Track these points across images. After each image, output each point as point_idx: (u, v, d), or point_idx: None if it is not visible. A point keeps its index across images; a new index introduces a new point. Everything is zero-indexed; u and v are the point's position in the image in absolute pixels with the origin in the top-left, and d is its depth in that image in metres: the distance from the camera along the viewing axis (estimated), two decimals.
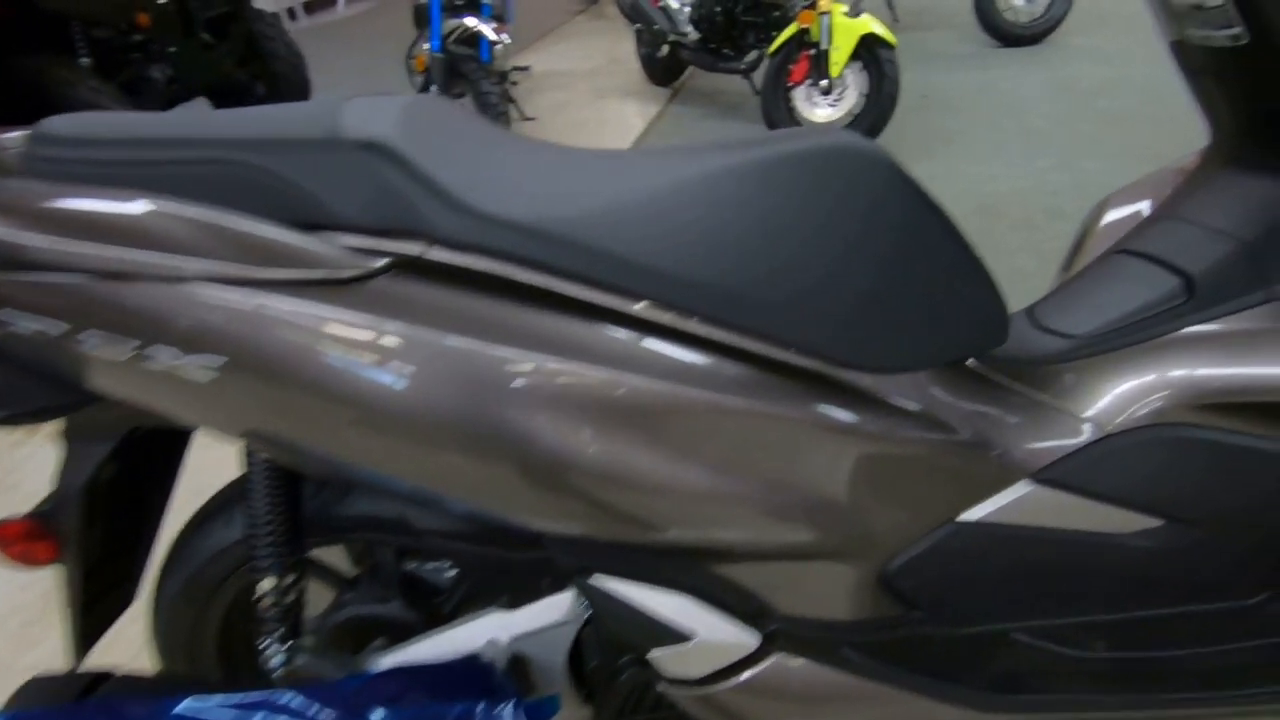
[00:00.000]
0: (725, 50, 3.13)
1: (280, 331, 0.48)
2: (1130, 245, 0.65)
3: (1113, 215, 0.79)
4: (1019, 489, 0.56)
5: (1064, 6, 3.70)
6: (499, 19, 2.79)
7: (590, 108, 3.63)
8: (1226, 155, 0.64)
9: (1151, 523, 0.55)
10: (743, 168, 0.49)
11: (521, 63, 4.20)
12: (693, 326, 0.50)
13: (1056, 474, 0.55)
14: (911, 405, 0.55)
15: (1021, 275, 1.95)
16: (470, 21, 2.51)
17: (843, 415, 0.53)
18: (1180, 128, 2.50)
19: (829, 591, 0.57)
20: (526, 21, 5.39)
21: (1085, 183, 2.36)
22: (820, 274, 0.49)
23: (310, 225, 0.49)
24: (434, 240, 0.49)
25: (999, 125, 2.88)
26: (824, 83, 2.60)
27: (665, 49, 3.38)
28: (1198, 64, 0.62)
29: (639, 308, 0.50)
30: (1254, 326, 0.56)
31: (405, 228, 0.49)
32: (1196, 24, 0.57)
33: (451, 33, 2.55)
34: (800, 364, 0.52)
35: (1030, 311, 0.69)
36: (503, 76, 3.25)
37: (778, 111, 2.72)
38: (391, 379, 0.48)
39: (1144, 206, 0.75)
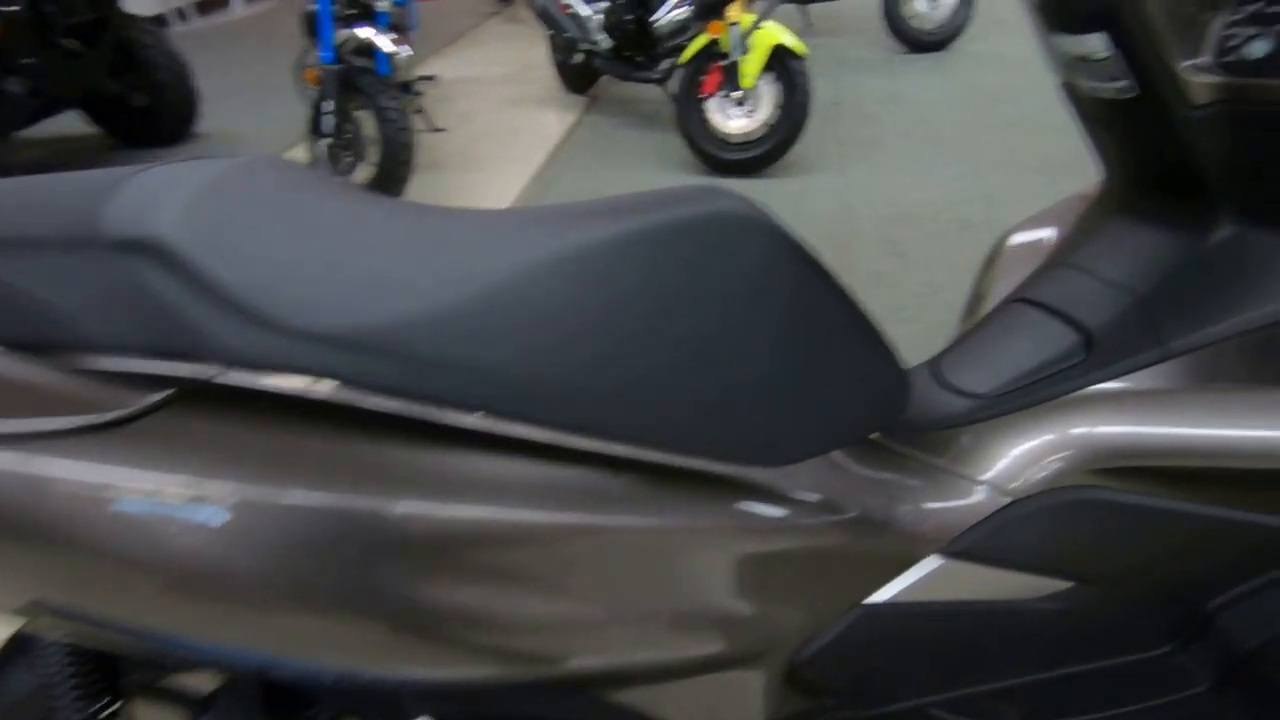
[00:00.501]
0: (638, 59, 3.07)
1: (47, 492, 0.39)
2: (1029, 294, 0.63)
3: (1012, 256, 0.77)
4: (926, 565, 0.54)
5: (966, 13, 3.81)
6: (398, 29, 2.64)
7: (504, 117, 3.51)
8: (1119, 200, 0.63)
9: (1060, 585, 0.55)
10: (602, 246, 0.42)
11: (428, 71, 4.01)
12: (555, 440, 0.44)
13: (963, 546, 0.54)
14: (811, 494, 0.51)
15: (933, 288, 1.97)
16: (364, 33, 2.35)
17: (737, 517, 0.48)
18: (1077, 134, 2.60)
19: (736, 697, 0.53)
20: (435, 25, 5.20)
21: (991, 192, 2.42)
22: (699, 365, 0.44)
23: (67, 352, 0.40)
24: (226, 361, 0.40)
25: (909, 133, 2.93)
26: (736, 94, 2.58)
27: (579, 57, 3.29)
28: (1087, 110, 0.60)
29: (485, 425, 0.42)
30: (1151, 386, 0.55)
31: (188, 349, 0.39)
32: (1084, 74, 0.55)
33: (344, 43, 2.39)
34: (685, 467, 0.47)
35: (935, 366, 0.66)
36: (406, 88, 3.10)
37: (692, 123, 2.68)
38: (193, 535, 0.39)
39: (1043, 244, 0.73)
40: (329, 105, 2.37)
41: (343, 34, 2.37)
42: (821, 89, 3.44)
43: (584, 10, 3.16)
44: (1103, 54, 0.50)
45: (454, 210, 0.49)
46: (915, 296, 1.94)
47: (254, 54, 4.72)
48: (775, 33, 2.47)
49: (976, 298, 0.78)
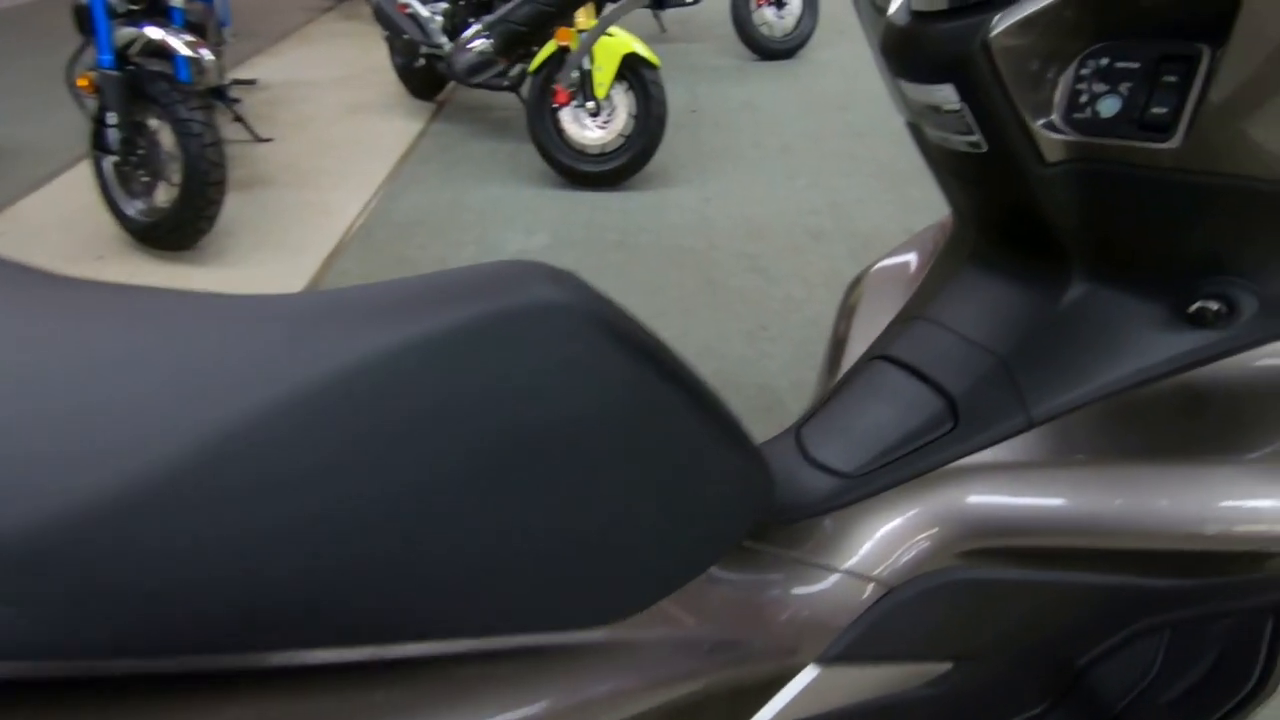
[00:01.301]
0: None
1: None
2: (890, 350, 0.60)
3: (870, 300, 0.73)
4: (803, 678, 0.49)
5: (812, 23, 3.95)
6: (199, 27, 2.31)
7: (342, 125, 3.22)
8: (972, 248, 0.60)
9: (940, 668, 0.53)
10: (360, 377, 0.31)
11: (250, 73, 3.62)
12: (322, 657, 0.32)
13: (841, 648, 0.50)
14: (662, 638, 0.44)
15: (793, 304, 1.97)
16: (154, 33, 2.00)
17: (575, 693, 0.40)
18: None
19: None
20: (259, 20, 4.72)
21: (838, 200, 2.48)
22: (506, 520, 0.34)
23: None
24: None
25: (761, 143, 2.98)
26: (590, 104, 2.49)
27: (422, 60, 3.07)
28: (935, 157, 0.57)
29: (225, 659, 0.30)
30: (1016, 458, 0.52)
31: None
32: (932, 123, 0.51)
33: (130, 44, 2.04)
34: (496, 649, 0.37)
35: (798, 437, 0.60)
36: (219, 94, 2.74)
37: (545, 134, 2.56)
38: None
39: (900, 288, 0.70)
40: (112, 117, 2.02)
41: (127, 33, 2.02)
42: (678, 96, 3.43)
43: (423, 11, 2.94)
44: (951, 106, 0.47)
45: (174, 307, 0.35)
46: (777, 314, 1.93)
47: (32, 48, 4.04)
48: (626, 42, 2.40)
49: (836, 347, 0.73)
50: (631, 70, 2.45)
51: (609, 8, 0.64)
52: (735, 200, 2.52)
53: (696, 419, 0.40)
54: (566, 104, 2.51)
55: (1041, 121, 0.45)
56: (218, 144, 2.09)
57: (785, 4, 3.89)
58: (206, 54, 2.07)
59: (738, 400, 1.65)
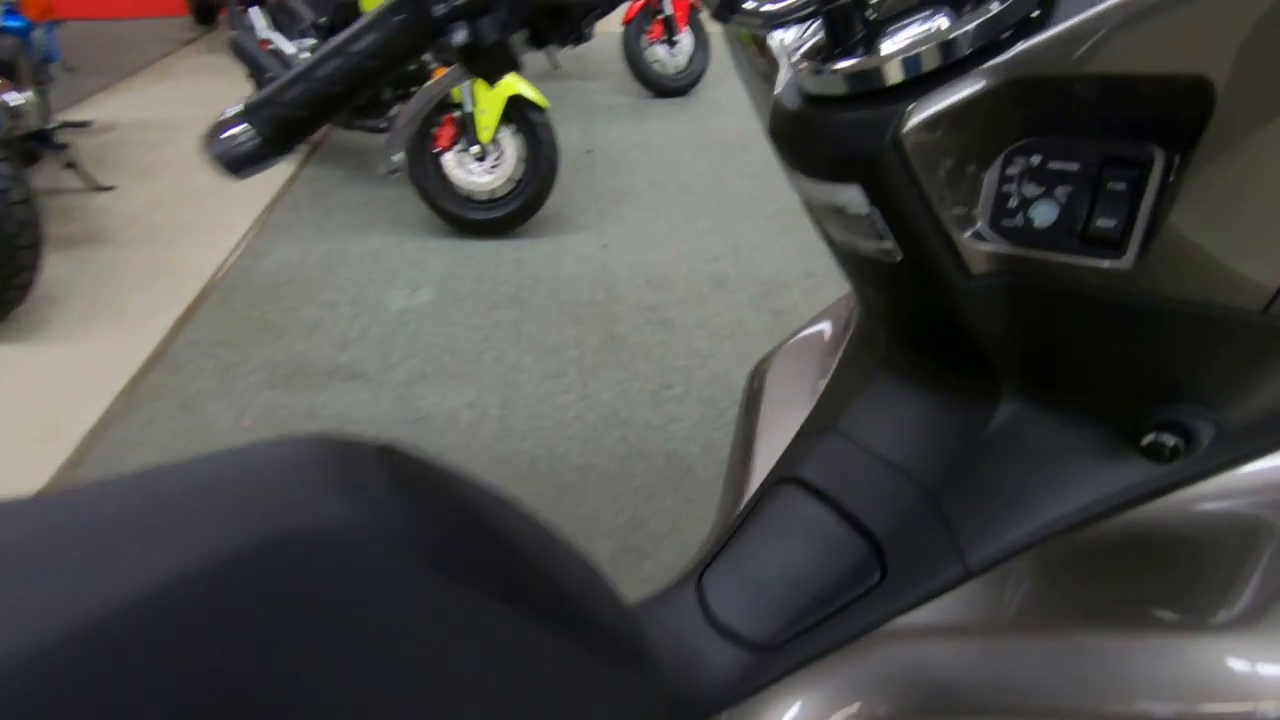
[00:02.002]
0: (361, 104, 2.69)
1: None
2: (802, 472, 0.52)
3: (774, 399, 0.64)
4: None
5: (704, 60, 3.97)
6: (6, 66, 1.99)
7: (200, 171, 2.90)
8: (884, 351, 0.54)
9: None
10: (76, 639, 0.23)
11: (88, 114, 3.24)
12: None
13: None
14: None
15: (698, 359, 1.87)
16: None
17: None
18: None
19: None
20: (106, 53, 4.28)
21: (738, 243, 2.43)
22: None
23: None
24: None
25: (660, 183, 2.91)
26: (475, 148, 2.33)
27: None
28: (843, 257, 0.49)
29: None
30: (956, 618, 0.46)
31: None
32: (838, 225, 0.44)
33: None
34: None
35: (700, 587, 0.50)
36: (42, 139, 2.40)
37: (429, 180, 2.38)
38: None
39: (806, 385, 0.62)
40: None
41: None
42: (573, 136, 3.33)
43: (288, 48, 2.71)
44: (857, 209, 0.39)
45: None
46: (682, 371, 1.82)
47: None
48: (511, 83, 2.27)
49: (741, 455, 0.63)
50: (518, 112, 2.32)
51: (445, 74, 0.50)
52: (635, 246, 2.42)
53: (554, 642, 0.32)
54: (449, 148, 2.35)
55: (967, 232, 0.37)
56: (29, 200, 1.79)
57: (677, 41, 3.90)
58: (12, 96, 1.77)
59: (645, 471, 1.52)
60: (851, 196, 0.38)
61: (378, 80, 0.43)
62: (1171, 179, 0.32)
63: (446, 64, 0.50)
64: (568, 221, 2.58)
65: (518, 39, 0.42)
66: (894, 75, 0.34)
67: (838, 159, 0.37)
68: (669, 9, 3.79)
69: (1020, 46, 0.32)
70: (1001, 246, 0.36)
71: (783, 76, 0.43)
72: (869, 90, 0.35)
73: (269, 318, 2.04)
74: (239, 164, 0.45)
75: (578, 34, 0.44)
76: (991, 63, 0.32)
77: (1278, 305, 0.34)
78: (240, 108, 0.44)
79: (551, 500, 1.46)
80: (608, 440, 1.61)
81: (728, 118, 3.68)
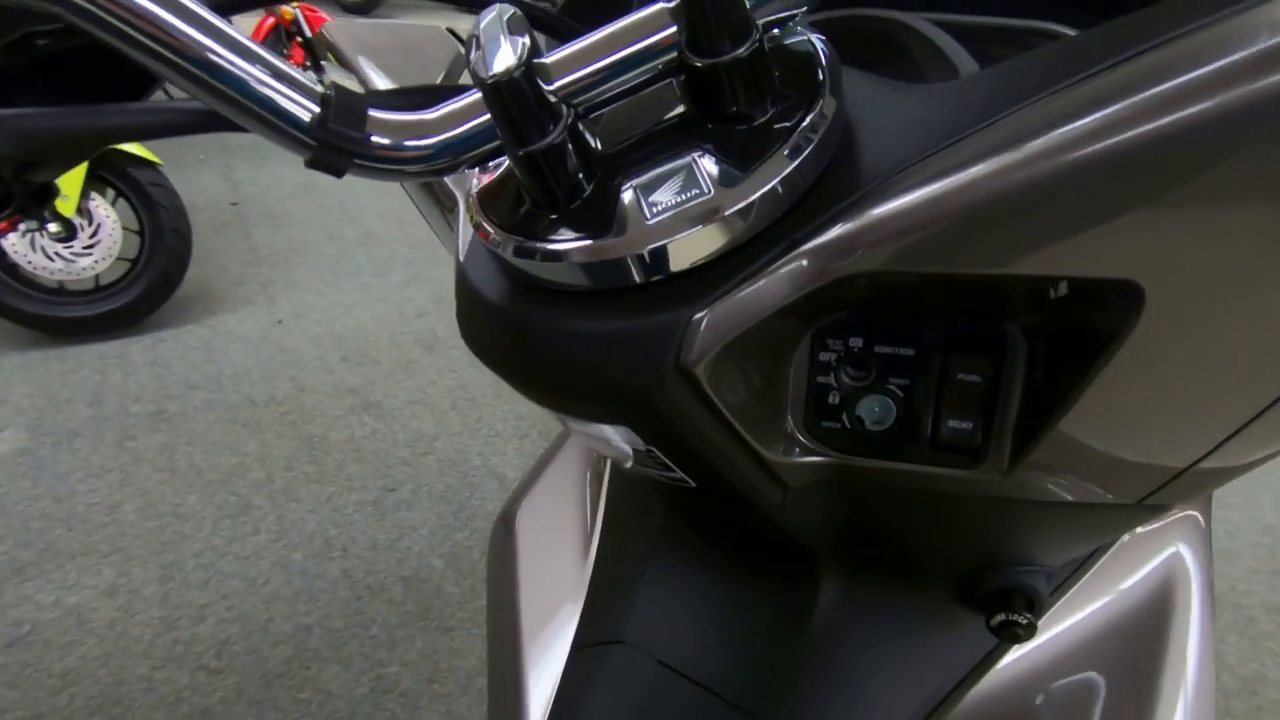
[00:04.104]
0: None
1: None
2: (624, 633, 0.42)
3: (532, 569, 0.54)
4: None
5: None
6: None
7: None
8: (662, 523, 0.47)
9: None
10: None
11: None
12: None
13: None
14: None
15: (422, 443, 1.61)
16: None
17: None
18: None
19: None
20: None
21: (445, 294, 2.20)
22: None
23: None
24: None
25: (337, 233, 2.52)
26: (54, 226, 1.72)
27: None
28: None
29: None
30: None
31: None
32: (606, 450, 0.35)
33: None
34: None
35: None
36: None
37: None
38: None
39: (566, 545, 0.53)
40: None
41: None
42: (211, 186, 2.74)
43: None
44: (628, 444, 0.29)
45: None
46: (405, 464, 1.55)
47: None
48: None
49: (507, 627, 0.52)
50: (115, 171, 1.78)
51: None
52: (318, 316, 2.04)
53: None
54: (12, 229, 1.70)
55: (778, 446, 0.28)
56: None
57: (325, 69, 3.45)
58: None
59: (381, 610, 1.23)
60: (619, 435, 0.28)
61: None
62: (1063, 381, 0.25)
63: None
64: (221, 299, 2.08)
65: None
66: (663, 265, 0.22)
67: (587, 394, 0.25)
68: (308, 30, 3.33)
69: (842, 228, 0.22)
70: (824, 454, 0.29)
71: (464, 233, 0.29)
72: (622, 285, 0.23)
73: None
74: None
75: None
76: (809, 245, 0.22)
77: (1154, 496, 0.30)
78: None
79: (259, 696, 1.10)
80: (324, 583, 1.28)
81: None
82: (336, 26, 0.56)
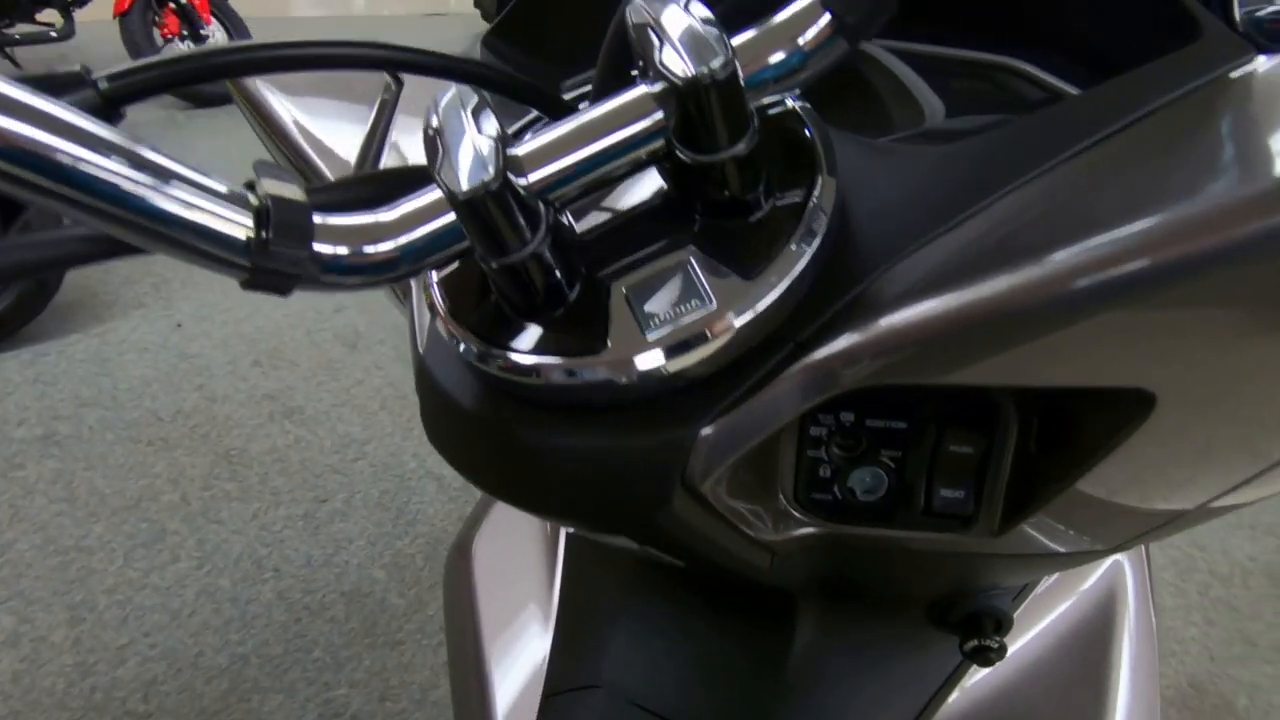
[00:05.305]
0: None
1: None
2: (600, 677, 0.41)
3: (493, 604, 0.51)
4: None
5: None
6: None
7: None
8: (627, 563, 0.46)
9: None
10: None
11: None
12: None
13: None
14: None
15: (352, 449, 1.53)
16: None
17: None
18: None
19: None
20: None
21: (370, 300, 2.08)
22: None
23: None
24: None
25: None
26: None
27: None
28: None
29: None
30: None
31: None
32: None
33: None
34: None
35: None
36: None
37: None
38: None
39: (527, 578, 0.51)
40: None
41: None
42: None
43: None
44: (619, 541, 0.29)
45: None
46: (337, 471, 1.47)
47: None
48: None
49: (471, 665, 0.50)
50: None
51: None
52: (224, 317, 1.89)
53: None
54: None
55: (768, 523, 0.27)
56: None
57: (206, 35, 3.15)
58: None
59: (323, 631, 1.17)
60: (608, 537, 0.28)
61: None
62: (1062, 458, 0.24)
63: None
64: (109, 303, 1.90)
65: None
66: (664, 381, 0.20)
67: (584, 514, 0.24)
68: None
69: (850, 338, 0.21)
70: (814, 525, 0.28)
71: (421, 315, 0.28)
72: (618, 400, 0.21)
73: None
74: None
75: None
76: (817, 356, 0.21)
77: (1136, 540, 0.30)
78: None
79: None
80: (258, 608, 1.21)
81: None
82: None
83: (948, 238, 0.20)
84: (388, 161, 0.42)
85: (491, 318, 0.21)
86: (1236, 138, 0.19)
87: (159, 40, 3.00)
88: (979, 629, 0.36)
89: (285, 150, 0.43)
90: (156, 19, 3.02)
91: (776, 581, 0.34)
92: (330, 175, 0.41)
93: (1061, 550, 0.29)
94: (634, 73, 0.19)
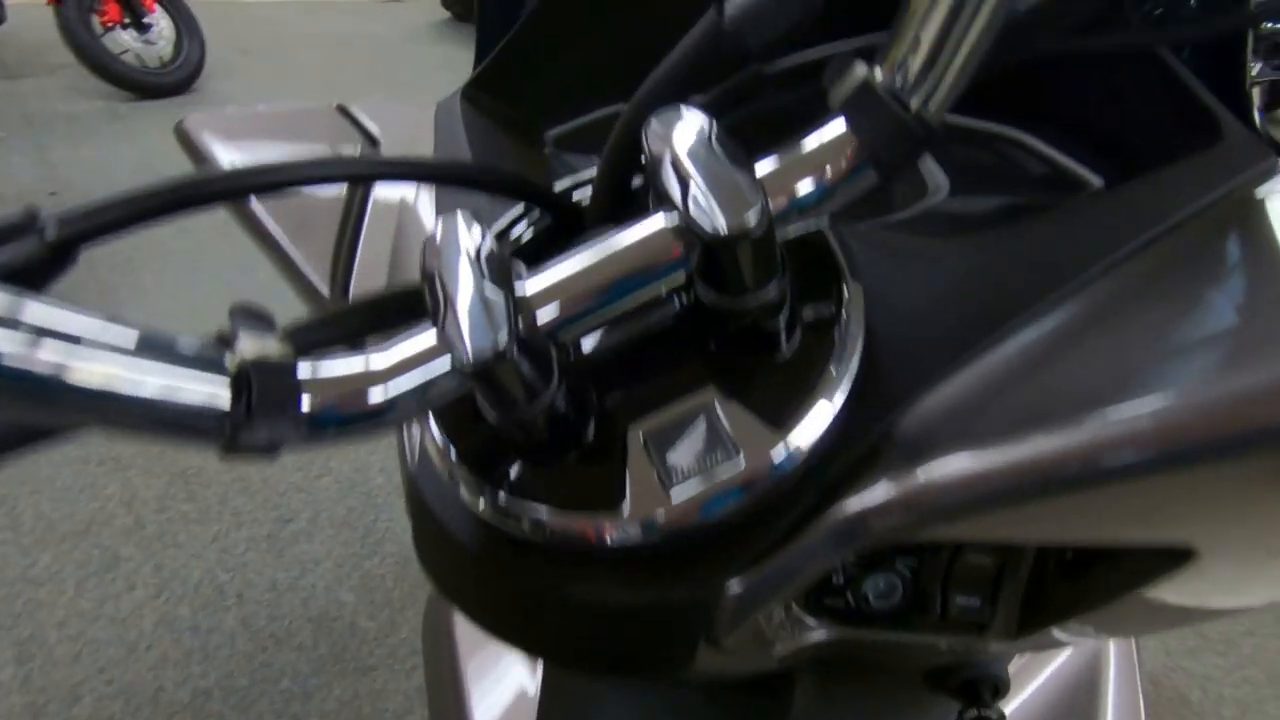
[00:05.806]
0: None
1: None
2: None
3: (473, 656, 0.50)
4: None
5: (198, 47, 3.16)
6: None
7: None
8: None
9: None
10: None
11: None
12: None
13: None
14: None
15: (315, 464, 1.48)
16: None
17: None
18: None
19: None
20: None
21: None
22: None
23: None
24: None
25: (190, 226, 2.22)
26: None
27: None
28: None
29: None
30: None
31: None
32: None
33: None
34: None
35: None
36: None
37: None
38: None
39: None
40: None
41: None
42: (22, 170, 2.35)
43: None
44: None
45: None
46: (299, 489, 1.42)
47: None
48: None
49: (453, 713, 0.49)
50: None
51: None
52: (178, 327, 1.81)
53: None
54: None
55: (778, 634, 0.26)
56: None
57: (150, 24, 3.00)
58: None
59: (289, 660, 1.14)
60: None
61: None
62: (1090, 586, 0.23)
63: None
64: None
65: None
66: (689, 535, 0.19)
67: (601, 667, 0.23)
68: None
69: (884, 491, 0.19)
70: (825, 629, 0.27)
71: (412, 434, 0.24)
72: (635, 553, 0.20)
73: None
74: None
75: None
76: (850, 512, 0.20)
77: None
78: None
79: None
80: (220, 637, 1.17)
81: None
82: (199, 120, 0.46)
83: (979, 366, 0.19)
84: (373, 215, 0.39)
85: (492, 451, 0.19)
86: (1271, 284, 0.18)
87: (98, 28, 2.84)
88: (977, 696, 0.36)
89: (277, 259, 0.41)
90: (95, 5, 2.86)
91: (779, 669, 0.33)
92: (323, 286, 0.39)
93: (1071, 640, 0.29)
94: (640, 181, 0.18)
